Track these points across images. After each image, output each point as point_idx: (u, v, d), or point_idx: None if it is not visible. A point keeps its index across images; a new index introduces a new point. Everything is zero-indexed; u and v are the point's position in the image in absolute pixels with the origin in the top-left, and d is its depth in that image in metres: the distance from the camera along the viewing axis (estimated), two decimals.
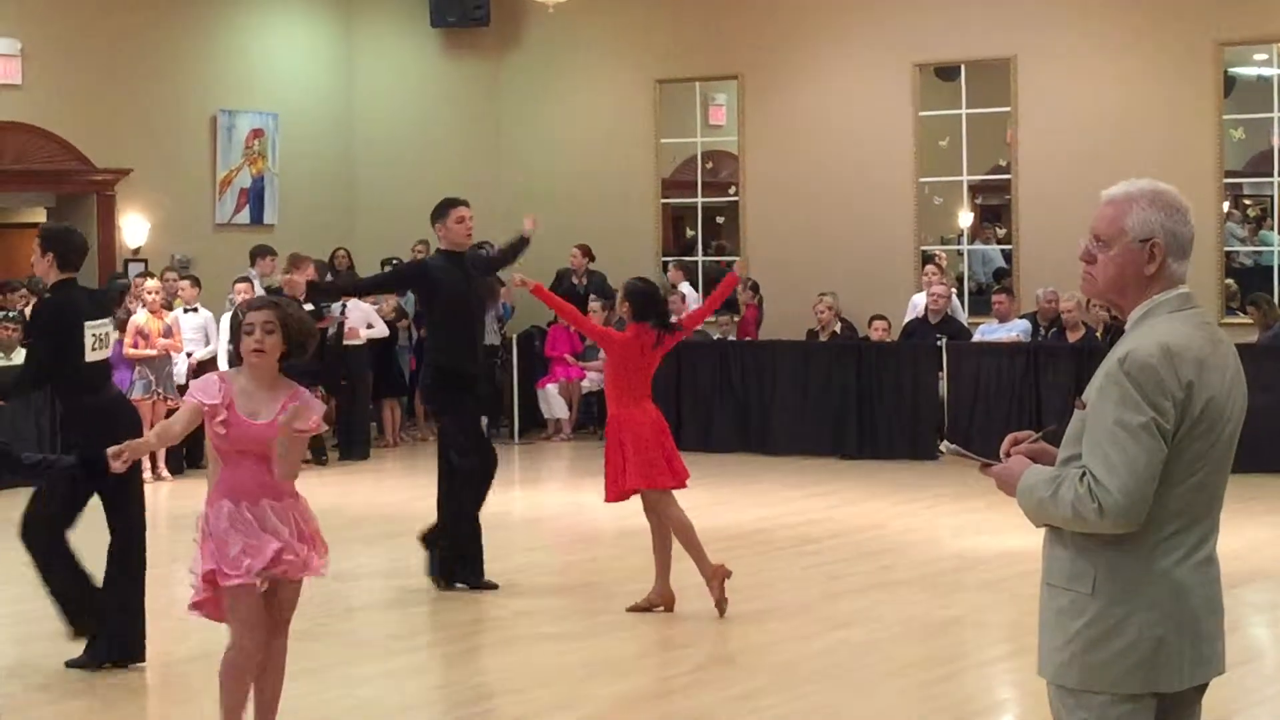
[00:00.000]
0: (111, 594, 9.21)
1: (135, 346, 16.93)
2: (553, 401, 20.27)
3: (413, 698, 8.85)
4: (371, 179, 22.74)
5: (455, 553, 11.41)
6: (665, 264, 20.81)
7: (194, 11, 21.08)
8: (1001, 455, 4.62)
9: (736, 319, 20.04)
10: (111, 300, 9.71)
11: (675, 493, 10.62)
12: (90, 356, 9.20)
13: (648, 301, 10.86)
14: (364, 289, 16.21)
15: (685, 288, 20.47)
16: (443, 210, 12.04)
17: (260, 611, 7.07)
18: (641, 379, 10.72)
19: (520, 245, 12.83)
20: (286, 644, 7.34)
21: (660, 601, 10.66)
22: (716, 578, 10.49)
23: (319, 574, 7.23)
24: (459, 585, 11.37)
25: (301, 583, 7.22)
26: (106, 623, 9.20)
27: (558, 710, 8.47)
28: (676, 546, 10.56)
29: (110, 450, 7.04)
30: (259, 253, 19.24)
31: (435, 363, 11.68)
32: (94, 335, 9.18)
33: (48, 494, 9.14)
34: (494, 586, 11.35)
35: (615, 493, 10.53)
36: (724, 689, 8.85)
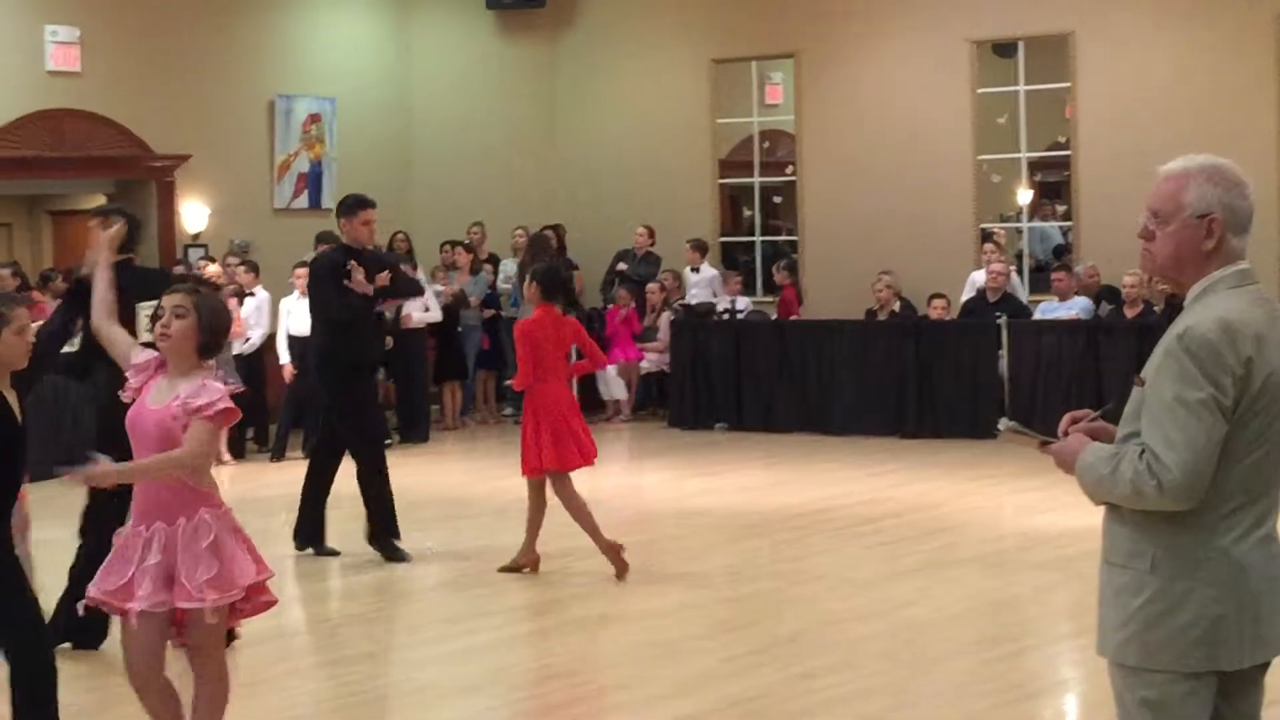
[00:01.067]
0: None
1: None
2: (611, 383, 20.27)
3: (473, 680, 8.86)
4: (428, 162, 22.77)
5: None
6: (695, 242, 20.62)
7: None
8: (1060, 434, 4.60)
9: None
10: (166, 283, 9.71)
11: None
12: (143, 338, 9.23)
13: (554, 284, 11.39)
14: None
15: (705, 268, 20.39)
16: (352, 208, 12.28)
17: (133, 639, 6.47)
18: (554, 359, 11.21)
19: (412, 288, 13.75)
20: (216, 671, 6.61)
21: (526, 563, 11.37)
22: (613, 552, 11.11)
23: (201, 605, 6.33)
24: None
25: (203, 612, 6.35)
26: None
27: (619, 691, 8.48)
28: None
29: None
30: (324, 239, 19.27)
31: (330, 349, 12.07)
32: (146, 316, 9.21)
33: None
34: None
35: (530, 469, 11.11)
36: (785, 669, 8.83)
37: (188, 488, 6.37)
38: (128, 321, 8.85)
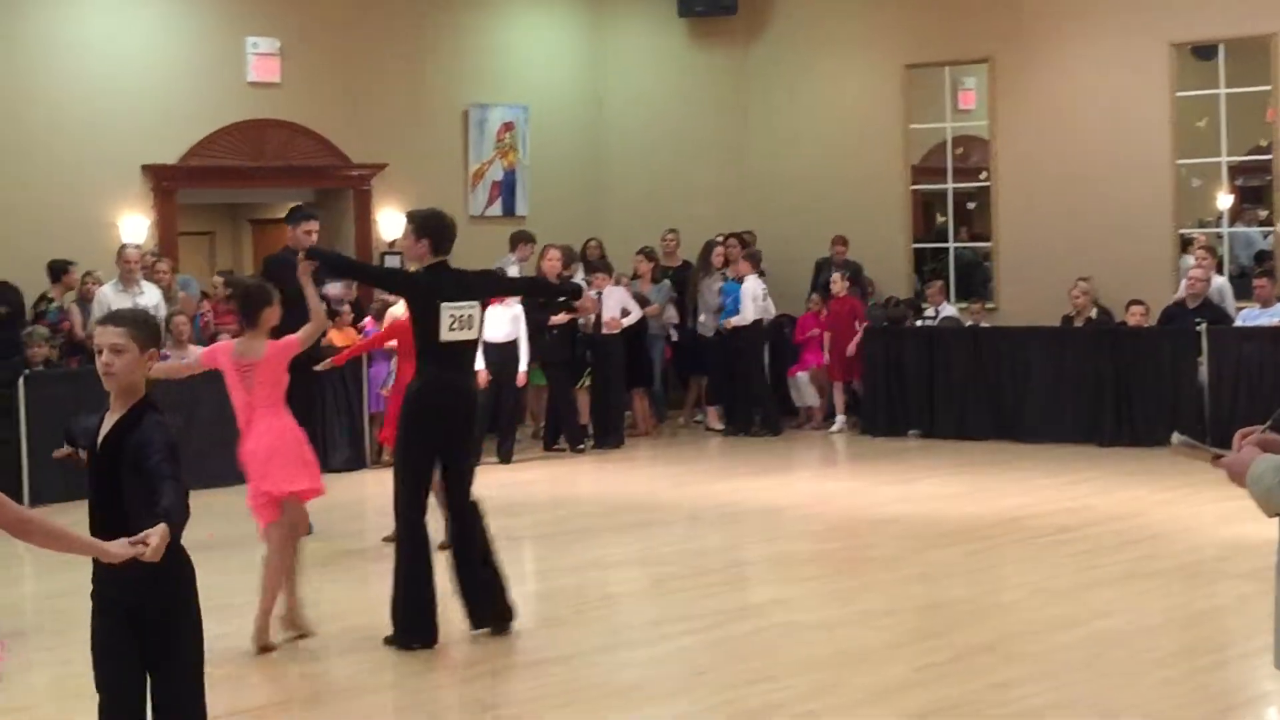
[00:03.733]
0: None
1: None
2: (803, 389, 20.23)
3: (672, 684, 8.90)
4: (621, 169, 22.90)
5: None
6: (748, 253, 20.40)
7: (446, 8, 21.40)
8: (1234, 447, 4.52)
9: (983, 305, 19.84)
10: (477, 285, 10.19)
11: None
12: (445, 336, 9.58)
13: None
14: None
15: (751, 280, 19.62)
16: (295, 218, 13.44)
17: None
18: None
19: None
20: None
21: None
22: None
23: None
24: None
25: None
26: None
27: (815, 698, 8.46)
28: None
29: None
30: (519, 238, 19.46)
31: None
32: (452, 315, 9.56)
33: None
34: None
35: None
36: (982, 678, 8.76)
37: None
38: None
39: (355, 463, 17.51)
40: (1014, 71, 20.45)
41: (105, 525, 5.63)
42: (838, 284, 19.75)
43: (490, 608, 9.79)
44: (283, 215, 23.81)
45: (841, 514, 14.36)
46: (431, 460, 9.79)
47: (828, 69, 21.85)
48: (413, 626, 9.55)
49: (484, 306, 10.23)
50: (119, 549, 5.29)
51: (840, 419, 19.71)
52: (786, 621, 10.23)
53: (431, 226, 9.78)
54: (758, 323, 19.60)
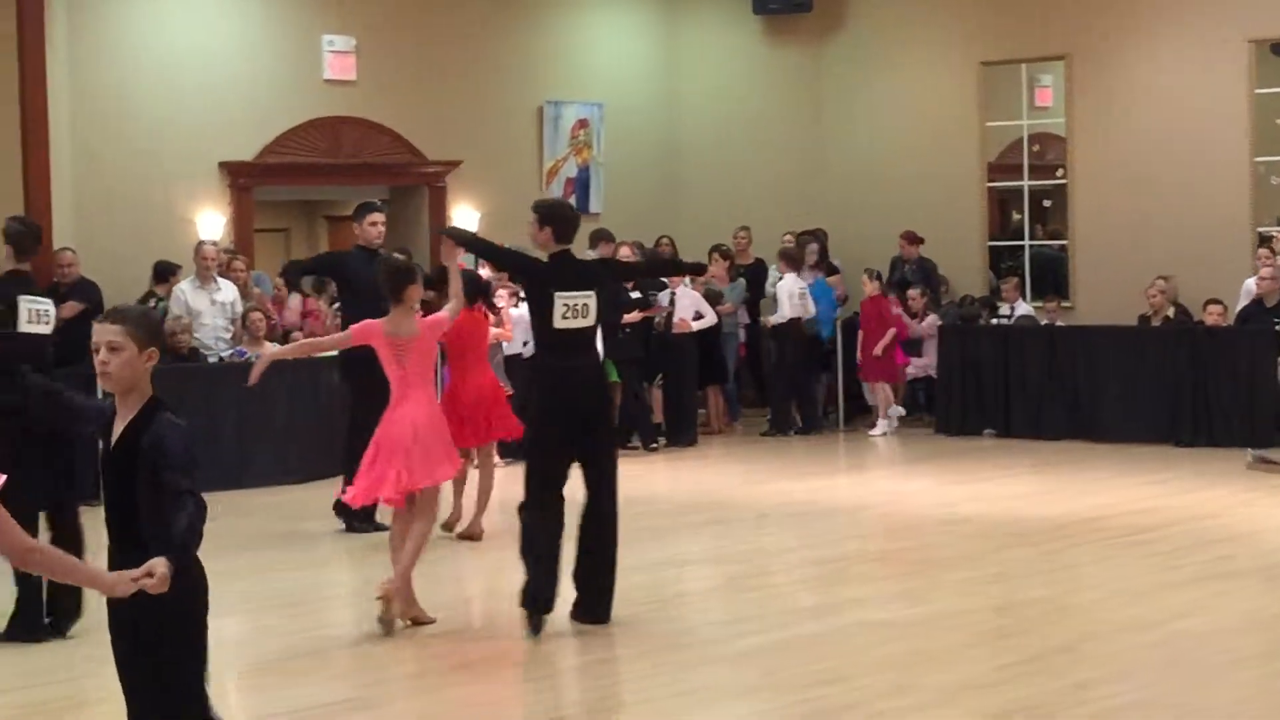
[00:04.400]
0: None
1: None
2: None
3: (744, 684, 8.86)
4: (695, 166, 22.87)
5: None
6: (783, 251, 20.24)
7: (521, 5, 21.42)
8: None
9: (1059, 303, 19.69)
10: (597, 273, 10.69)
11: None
12: (559, 324, 9.79)
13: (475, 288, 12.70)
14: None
15: (789, 279, 19.56)
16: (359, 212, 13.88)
17: None
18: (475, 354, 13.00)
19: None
20: None
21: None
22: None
23: None
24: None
25: None
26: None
27: (889, 698, 8.41)
28: None
29: None
30: (599, 237, 19.44)
31: None
32: (565, 304, 9.77)
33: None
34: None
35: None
36: (1059, 679, 8.69)
37: None
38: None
39: None
40: (1091, 68, 20.30)
41: (120, 527, 5.54)
42: (867, 285, 19.62)
43: (601, 609, 9.95)
44: None
45: (916, 513, 14.28)
46: (564, 451, 9.86)
47: (903, 66, 21.74)
48: (534, 597, 9.72)
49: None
50: (124, 585, 5.16)
51: (882, 423, 19.50)
52: (860, 621, 10.18)
53: (554, 215, 10.11)
54: (795, 321, 19.53)
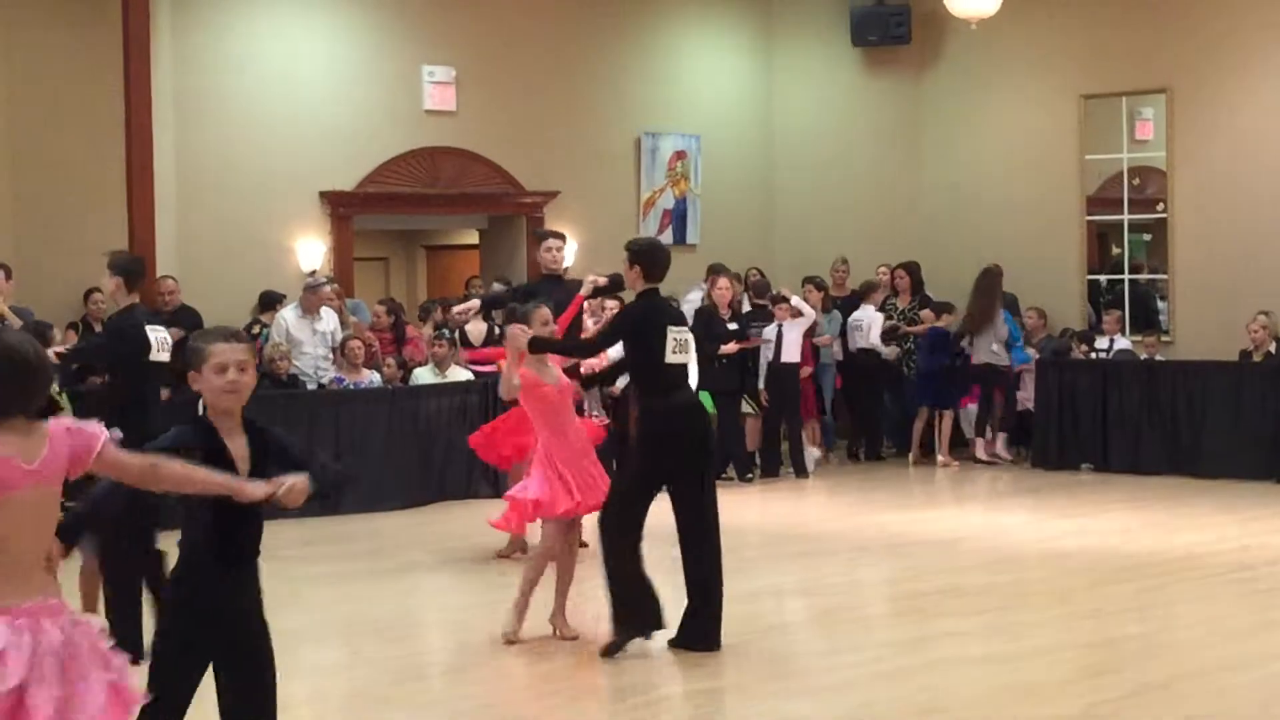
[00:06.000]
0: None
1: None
2: (973, 421, 20.05)
3: (838, 715, 8.84)
4: (791, 198, 22.89)
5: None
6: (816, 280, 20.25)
7: (619, 37, 21.53)
8: None
9: (1158, 338, 19.53)
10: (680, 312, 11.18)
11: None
12: (670, 359, 9.96)
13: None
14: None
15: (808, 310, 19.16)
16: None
17: None
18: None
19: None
20: None
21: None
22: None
23: None
24: None
25: None
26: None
27: None
28: None
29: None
30: (713, 271, 19.45)
31: None
32: (675, 339, 9.95)
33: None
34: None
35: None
36: (1155, 716, 8.60)
37: None
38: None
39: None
40: (1192, 102, 20.17)
41: (253, 541, 5.80)
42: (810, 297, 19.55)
43: (701, 638, 10.04)
44: (456, 242, 24.22)
45: (1012, 547, 14.21)
46: (656, 491, 10.00)
47: (1002, 99, 21.69)
48: (637, 620, 9.87)
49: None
50: (259, 489, 5.45)
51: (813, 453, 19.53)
52: (957, 655, 10.14)
53: (644, 255, 10.19)
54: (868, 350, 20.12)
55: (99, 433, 5.11)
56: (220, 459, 5.64)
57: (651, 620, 9.94)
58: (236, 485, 5.47)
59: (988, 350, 19.46)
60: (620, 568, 9.90)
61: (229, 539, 5.73)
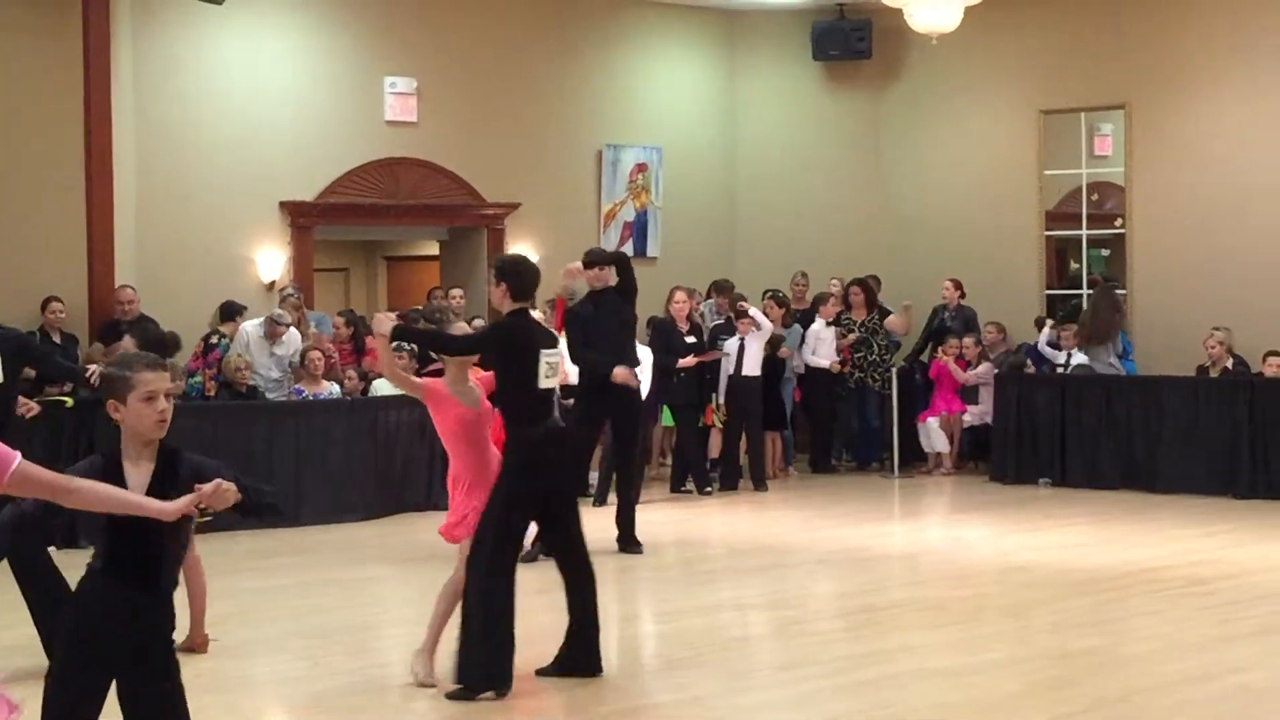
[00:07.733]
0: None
1: None
2: (933, 435, 20.12)
3: None
4: (752, 212, 22.93)
5: None
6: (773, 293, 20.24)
7: (581, 49, 21.55)
8: None
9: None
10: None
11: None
12: (543, 384, 9.49)
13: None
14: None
15: (766, 324, 19.00)
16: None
17: None
18: None
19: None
20: None
21: None
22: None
23: None
24: None
25: None
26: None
27: None
28: None
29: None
30: (714, 288, 19.36)
31: None
32: (547, 364, 9.45)
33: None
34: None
35: None
36: None
37: None
38: None
39: None
40: (1151, 117, 20.29)
41: (141, 576, 5.58)
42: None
43: (585, 662, 9.72)
44: (417, 253, 24.18)
45: (971, 561, 14.25)
46: (528, 523, 9.64)
47: (962, 114, 21.79)
48: (489, 674, 9.26)
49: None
50: (175, 507, 5.28)
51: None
52: (915, 668, 10.16)
53: (510, 273, 9.63)
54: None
55: (12, 455, 5.06)
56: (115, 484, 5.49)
57: (498, 676, 9.26)
58: (155, 506, 5.32)
59: (1106, 364, 19.42)
60: (487, 608, 9.27)
61: (122, 563, 5.54)
